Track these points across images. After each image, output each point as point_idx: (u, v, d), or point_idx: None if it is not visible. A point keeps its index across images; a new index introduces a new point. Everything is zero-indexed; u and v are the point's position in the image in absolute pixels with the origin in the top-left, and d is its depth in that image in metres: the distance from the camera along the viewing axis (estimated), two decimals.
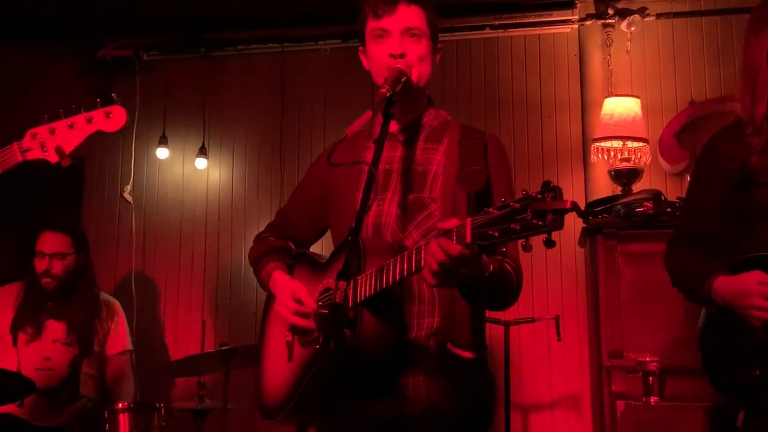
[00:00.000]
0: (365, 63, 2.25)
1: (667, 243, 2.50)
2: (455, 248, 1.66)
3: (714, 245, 2.38)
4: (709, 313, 2.36)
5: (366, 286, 1.91)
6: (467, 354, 2.03)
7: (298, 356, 2.18)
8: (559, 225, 1.47)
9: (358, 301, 1.91)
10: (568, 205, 1.46)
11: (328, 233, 2.39)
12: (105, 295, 4.25)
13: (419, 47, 2.14)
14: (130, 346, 4.22)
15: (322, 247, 2.58)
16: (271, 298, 2.36)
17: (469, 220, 1.64)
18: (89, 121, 2.30)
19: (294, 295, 2.15)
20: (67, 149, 2.28)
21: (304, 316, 2.11)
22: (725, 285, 2.24)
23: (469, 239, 1.62)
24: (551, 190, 1.49)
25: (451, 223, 1.70)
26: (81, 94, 4.93)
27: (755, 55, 2.32)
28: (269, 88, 5.17)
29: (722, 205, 2.36)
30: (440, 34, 2.24)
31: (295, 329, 2.19)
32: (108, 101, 2.33)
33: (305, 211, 2.44)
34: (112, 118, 2.30)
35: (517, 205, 1.53)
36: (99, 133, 2.33)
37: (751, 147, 2.28)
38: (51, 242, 3.99)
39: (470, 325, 2.06)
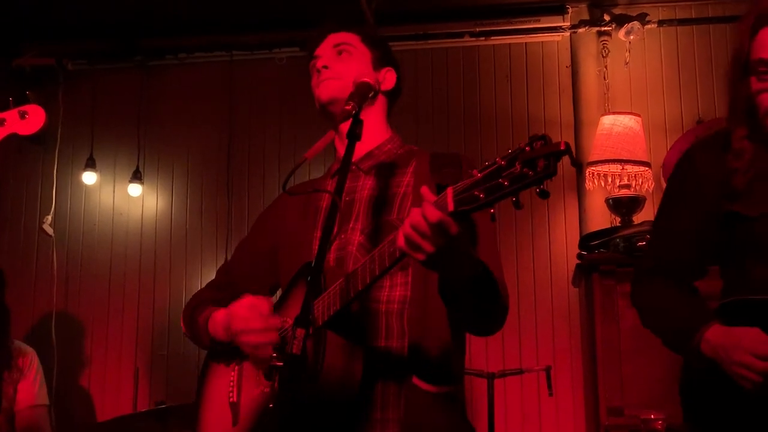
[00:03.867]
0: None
1: (634, 278, 2.44)
2: (434, 214, 1.67)
3: (688, 278, 2.37)
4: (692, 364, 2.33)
5: (330, 303, 1.92)
6: (432, 388, 2.04)
7: (245, 419, 2.16)
8: (552, 170, 1.49)
9: (320, 324, 1.92)
10: (562, 147, 1.48)
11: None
12: (17, 342, 4.17)
13: (350, 62, 2.26)
14: (46, 401, 4.15)
15: None
16: (212, 353, 2.38)
17: (450, 188, 1.67)
18: (1, 123, 2.29)
19: (254, 309, 2.08)
20: None
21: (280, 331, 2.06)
22: (716, 337, 2.16)
23: (451, 207, 1.65)
24: (540, 138, 1.52)
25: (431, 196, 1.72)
26: None
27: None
28: (215, 102, 5.18)
29: (701, 233, 2.34)
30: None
31: (259, 361, 2.10)
32: (22, 100, 2.31)
33: (252, 266, 2.44)
34: (28, 118, 2.30)
35: (503, 162, 1.56)
36: (14, 138, 2.30)
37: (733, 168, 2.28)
38: None
39: (443, 355, 2.07)
